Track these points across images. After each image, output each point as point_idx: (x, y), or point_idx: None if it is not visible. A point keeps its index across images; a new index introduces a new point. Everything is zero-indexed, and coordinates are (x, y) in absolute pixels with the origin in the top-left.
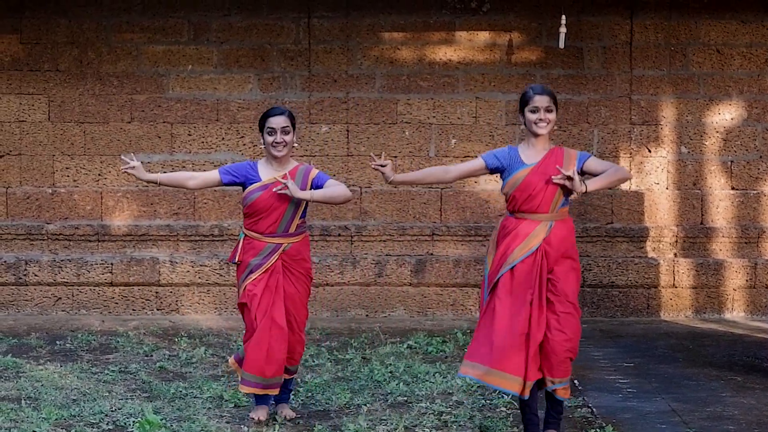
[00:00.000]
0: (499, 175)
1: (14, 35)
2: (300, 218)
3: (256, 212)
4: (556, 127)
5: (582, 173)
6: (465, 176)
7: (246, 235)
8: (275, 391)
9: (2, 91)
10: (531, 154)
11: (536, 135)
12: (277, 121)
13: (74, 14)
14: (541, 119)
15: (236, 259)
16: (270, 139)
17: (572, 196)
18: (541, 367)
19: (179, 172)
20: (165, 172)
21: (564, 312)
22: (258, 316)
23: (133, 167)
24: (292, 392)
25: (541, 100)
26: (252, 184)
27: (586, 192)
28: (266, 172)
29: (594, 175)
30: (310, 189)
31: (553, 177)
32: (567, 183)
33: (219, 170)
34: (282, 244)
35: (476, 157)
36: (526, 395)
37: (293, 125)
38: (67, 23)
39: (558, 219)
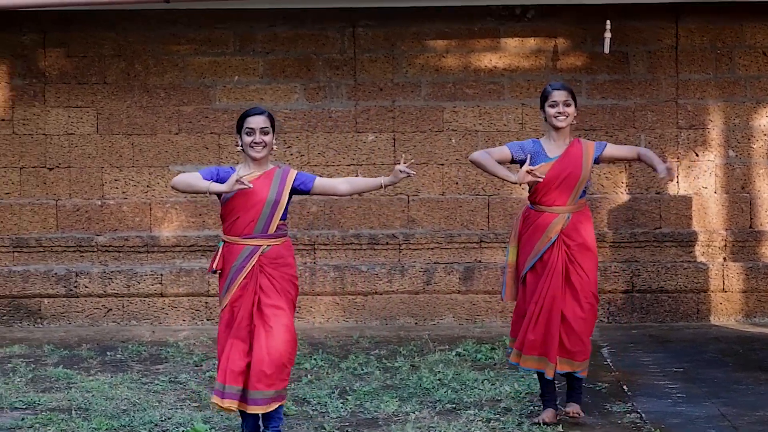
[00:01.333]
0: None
1: (62, 49)
2: (280, 219)
3: (232, 212)
4: (602, 133)
5: (598, 162)
6: (500, 162)
7: (225, 241)
8: (230, 403)
9: (51, 104)
10: (553, 147)
11: (556, 128)
12: (256, 121)
13: (121, 27)
14: (560, 113)
15: (215, 267)
16: (248, 139)
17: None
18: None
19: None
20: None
21: (587, 302)
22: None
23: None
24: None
25: (559, 95)
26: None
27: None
28: (243, 173)
29: (617, 159)
30: (289, 190)
31: (662, 174)
32: (672, 174)
33: (201, 171)
34: (260, 246)
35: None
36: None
37: (273, 126)
38: (114, 36)
39: (576, 210)
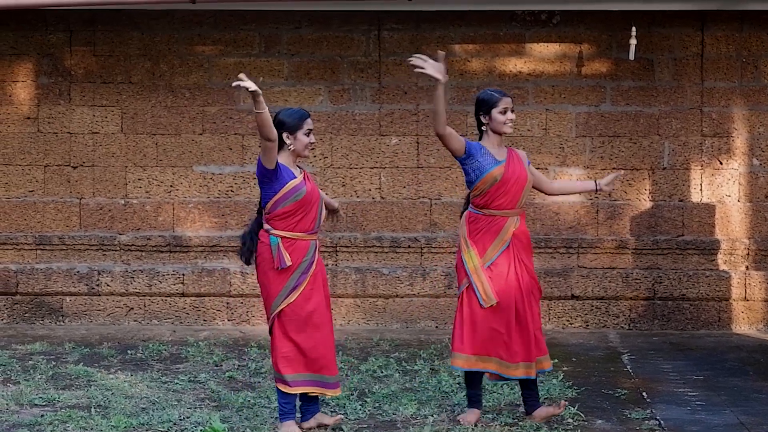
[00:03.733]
0: (462, 166)
1: (88, 48)
2: None
3: (298, 210)
4: (626, 139)
5: None
6: (454, 141)
7: (285, 237)
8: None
9: (76, 103)
10: (497, 152)
11: (501, 134)
12: (311, 122)
13: (146, 27)
14: (510, 119)
15: (287, 263)
16: (307, 140)
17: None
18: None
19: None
20: (236, 184)
21: (536, 301)
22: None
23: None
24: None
25: (507, 102)
26: (292, 179)
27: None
28: (295, 170)
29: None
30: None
31: (604, 185)
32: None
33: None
34: (317, 242)
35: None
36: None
37: None
38: (140, 36)
39: (520, 214)
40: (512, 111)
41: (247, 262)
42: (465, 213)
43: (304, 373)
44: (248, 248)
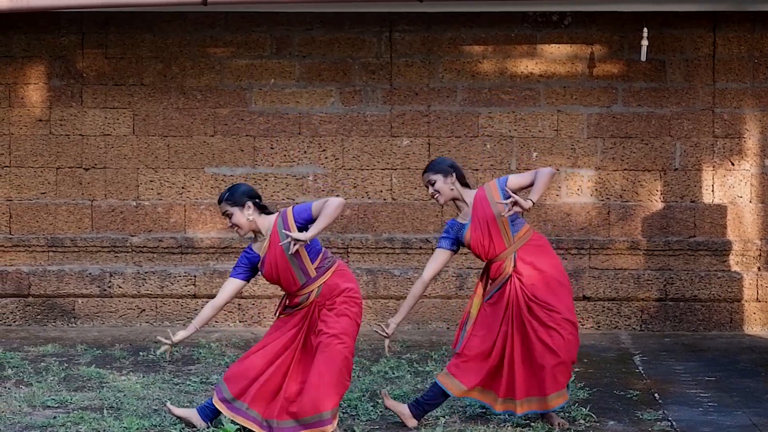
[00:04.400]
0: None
1: (100, 50)
2: (313, 262)
3: (273, 282)
4: (638, 141)
5: (506, 195)
6: (439, 271)
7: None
8: None
9: (88, 105)
10: (462, 214)
11: (443, 204)
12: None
13: (158, 29)
14: (431, 194)
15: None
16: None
17: (520, 211)
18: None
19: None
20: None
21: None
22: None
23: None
24: None
25: (424, 179)
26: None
27: (533, 204)
28: (257, 246)
29: (522, 188)
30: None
31: (501, 213)
32: (516, 208)
33: (232, 273)
34: (312, 290)
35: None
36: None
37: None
38: (152, 38)
39: (519, 246)
40: (432, 185)
41: None
42: None
43: None
44: None
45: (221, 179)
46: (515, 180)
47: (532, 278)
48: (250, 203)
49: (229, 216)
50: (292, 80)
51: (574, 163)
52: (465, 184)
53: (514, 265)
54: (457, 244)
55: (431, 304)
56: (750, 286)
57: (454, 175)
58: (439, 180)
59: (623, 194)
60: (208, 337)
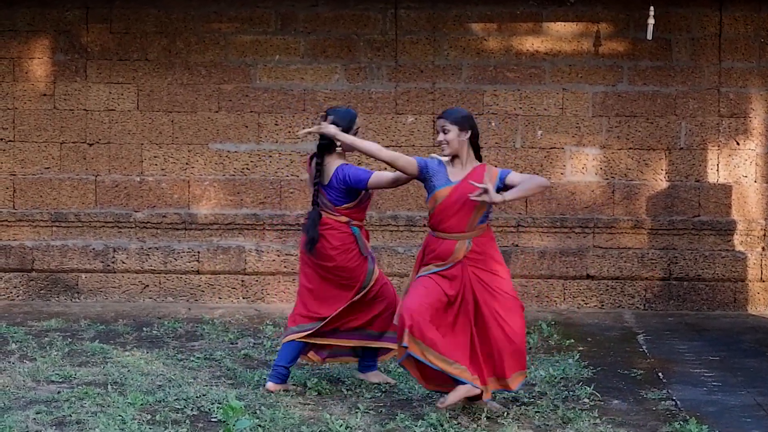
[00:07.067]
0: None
1: (104, 25)
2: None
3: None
4: (643, 119)
5: (506, 187)
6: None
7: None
8: None
9: (92, 80)
10: (456, 171)
11: (452, 155)
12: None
13: (163, 4)
14: (439, 141)
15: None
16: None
17: (487, 201)
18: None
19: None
20: (252, 162)
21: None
22: None
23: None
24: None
25: (437, 123)
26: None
27: (504, 201)
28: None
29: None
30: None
31: (470, 195)
32: (484, 197)
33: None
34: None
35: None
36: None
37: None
38: (156, 13)
39: (476, 236)
40: (444, 132)
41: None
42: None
43: None
44: None
45: (225, 155)
46: (513, 177)
47: (480, 264)
48: (469, 132)
49: (446, 132)
50: (296, 57)
51: (579, 142)
52: (476, 150)
53: (467, 250)
54: (424, 175)
55: None
56: (754, 266)
57: (470, 132)
58: (453, 131)
59: (628, 173)
60: (211, 314)
